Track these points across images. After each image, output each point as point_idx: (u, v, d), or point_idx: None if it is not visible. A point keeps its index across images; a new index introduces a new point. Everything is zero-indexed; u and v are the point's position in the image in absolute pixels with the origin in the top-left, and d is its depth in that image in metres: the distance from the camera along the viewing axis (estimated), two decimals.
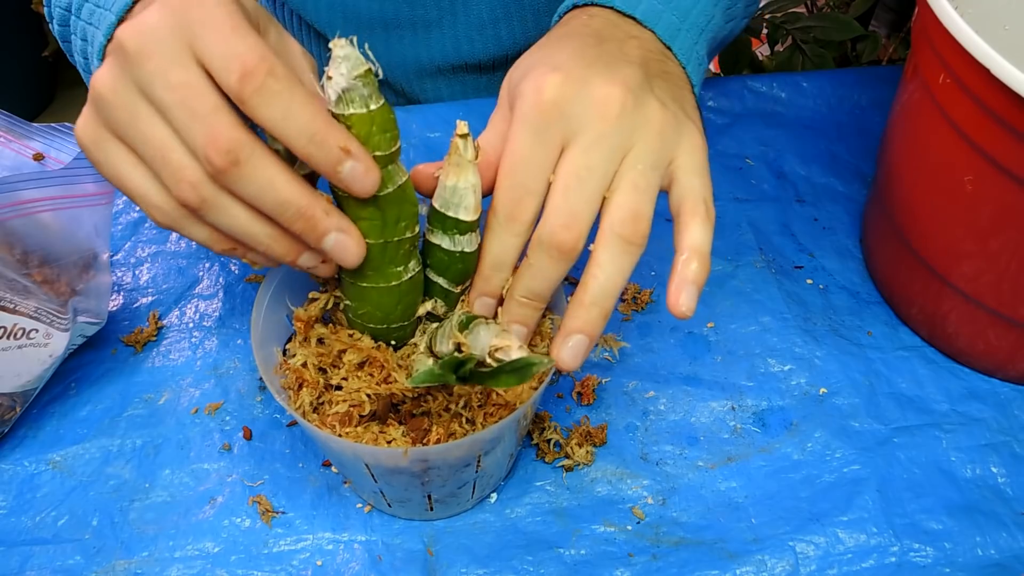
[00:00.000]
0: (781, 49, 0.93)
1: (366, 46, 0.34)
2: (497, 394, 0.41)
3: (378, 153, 0.35)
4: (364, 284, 0.39)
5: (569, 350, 0.38)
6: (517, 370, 0.36)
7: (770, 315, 0.55)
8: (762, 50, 1.13)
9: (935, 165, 0.48)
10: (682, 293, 0.38)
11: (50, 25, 0.50)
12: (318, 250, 0.37)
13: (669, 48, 0.44)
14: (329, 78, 0.34)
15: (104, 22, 0.42)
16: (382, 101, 0.35)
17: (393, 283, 0.39)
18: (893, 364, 0.53)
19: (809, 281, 0.58)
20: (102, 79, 0.36)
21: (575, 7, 0.46)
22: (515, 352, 0.36)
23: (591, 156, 0.37)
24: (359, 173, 0.35)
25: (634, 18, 0.44)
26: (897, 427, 0.50)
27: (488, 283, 0.40)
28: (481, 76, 0.72)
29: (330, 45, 0.34)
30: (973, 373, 0.53)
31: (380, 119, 0.35)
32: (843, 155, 0.65)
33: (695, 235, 0.39)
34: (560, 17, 0.47)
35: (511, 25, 0.68)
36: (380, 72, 0.34)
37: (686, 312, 0.38)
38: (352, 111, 0.34)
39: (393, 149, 0.36)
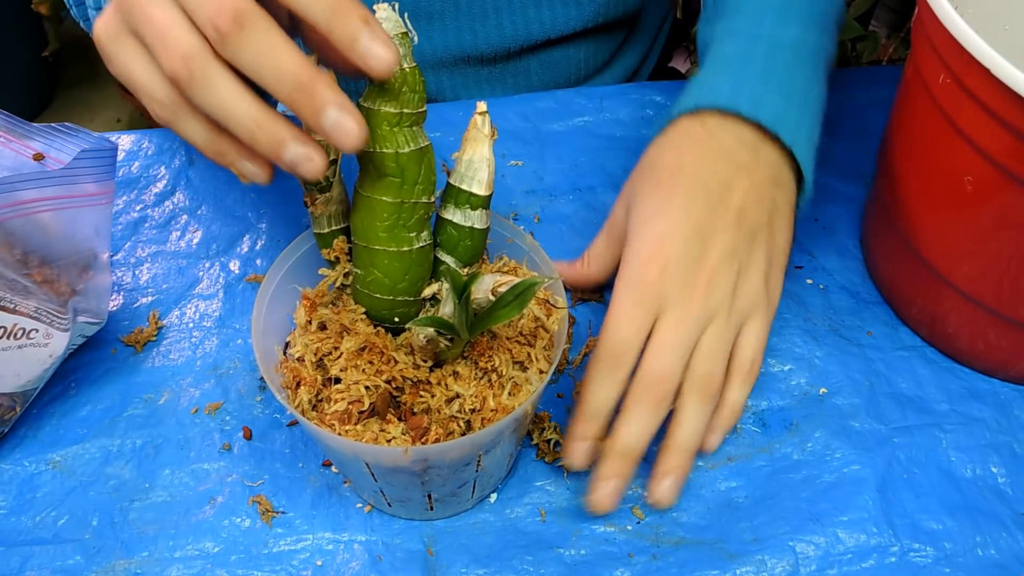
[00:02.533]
0: None
1: (406, 15, 0.37)
2: (495, 398, 0.41)
3: (406, 110, 0.38)
4: (376, 247, 0.40)
5: (664, 489, 0.45)
6: (518, 296, 0.37)
7: None
8: None
9: (935, 165, 0.48)
10: (711, 438, 0.48)
11: None
12: (316, 127, 0.36)
13: (791, 149, 0.49)
14: None
15: None
16: (414, 64, 0.38)
17: (404, 248, 0.40)
18: (893, 364, 0.53)
19: (809, 281, 0.58)
20: None
21: (689, 112, 0.50)
22: (516, 281, 0.37)
23: (679, 331, 0.44)
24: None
25: (759, 123, 0.49)
26: (897, 427, 0.50)
27: (588, 427, 0.44)
28: (482, 68, 0.72)
29: (374, 8, 0.36)
30: (973, 373, 0.53)
31: (411, 79, 0.38)
32: (843, 155, 0.65)
33: (729, 393, 0.48)
34: (670, 120, 0.51)
35: (513, 16, 0.68)
36: (415, 38, 0.38)
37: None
38: None
39: (420, 110, 0.39)
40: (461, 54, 0.70)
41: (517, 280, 0.37)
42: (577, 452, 0.44)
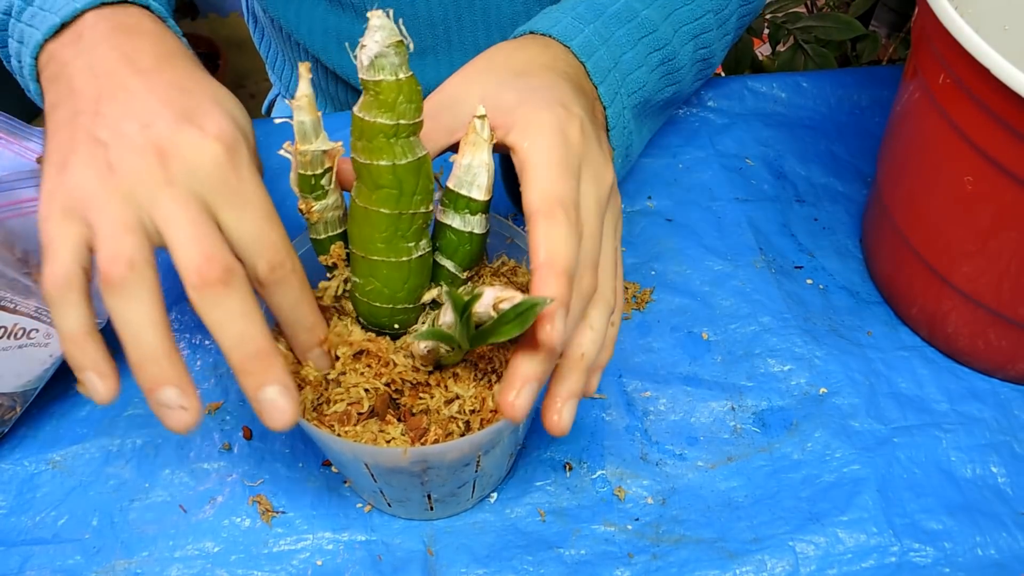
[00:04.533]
0: (783, 49, 0.93)
1: (400, 21, 0.36)
2: (494, 397, 0.41)
3: (403, 121, 0.37)
4: (375, 258, 0.40)
5: (568, 416, 0.38)
6: (520, 315, 0.36)
7: (770, 315, 0.55)
8: (763, 50, 1.13)
9: (935, 165, 0.48)
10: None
11: None
12: (254, 400, 0.36)
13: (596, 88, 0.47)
14: (363, 46, 0.36)
15: (45, 24, 0.42)
16: (410, 73, 0.37)
17: (403, 258, 0.40)
18: (893, 364, 0.53)
19: (809, 281, 0.58)
20: (92, 171, 0.36)
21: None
22: (519, 300, 0.36)
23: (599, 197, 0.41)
24: (321, 362, 0.41)
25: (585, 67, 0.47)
26: (897, 427, 0.50)
27: (562, 284, 0.37)
28: None
29: (368, 15, 0.35)
30: (973, 373, 0.53)
31: (407, 89, 0.37)
32: (843, 155, 0.65)
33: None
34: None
35: None
36: (411, 46, 0.36)
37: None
38: (381, 78, 0.36)
39: (417, 120, 0.38)
40: None
41: (519, 299, 0.36)
42: (557, 332, 0.35)
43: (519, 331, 0.36)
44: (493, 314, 0.37)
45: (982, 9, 0.52)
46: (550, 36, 0.47)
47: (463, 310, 0.37)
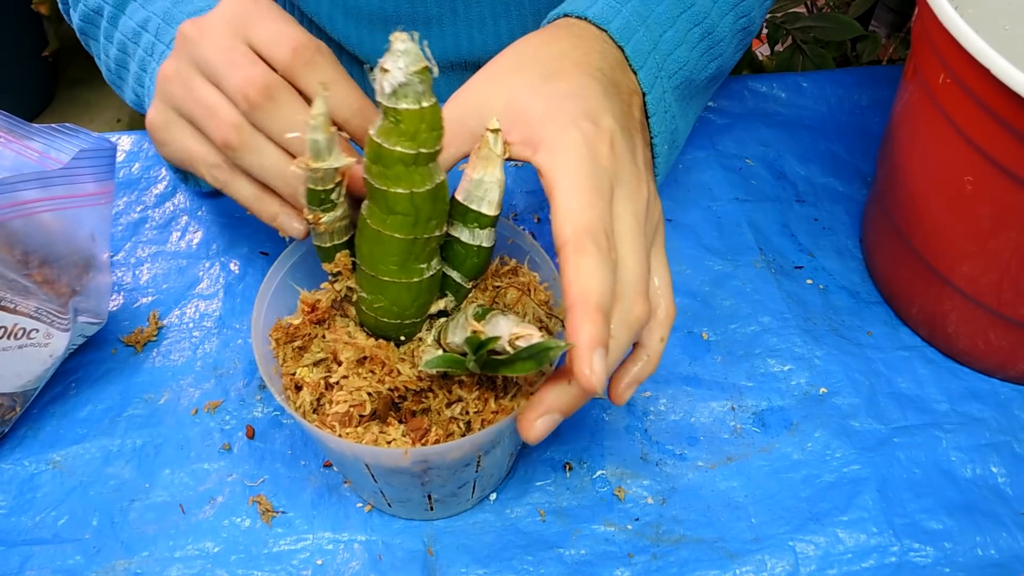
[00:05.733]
0: (781, 49, 0.93)
1: (425, 44, 0.34)
2: (497, 399, 0.41)
3: (423, 150, 0.35)
4: (386, 278, 0.39)
5: (542, 426, 0.36)
6: (535, 355, 0.35)
7: (770, 315, 0.55)
8: (762, 50, 1.13)
9: (935, 165, 0.48)
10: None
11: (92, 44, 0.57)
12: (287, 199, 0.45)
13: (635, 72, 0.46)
14: (385, 71, 0.34)
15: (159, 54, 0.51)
16: (434, 100, 0.35)
17: (415, 279, 0.39)
18: (893, 364, 0.53)
19: (809, 281, 0.58)
20: (165, 66, 0.45)
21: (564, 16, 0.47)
22: (536, 339, 0.35)
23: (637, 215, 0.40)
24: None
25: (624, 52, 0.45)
26: (897, 427, 0.50)
27: (600, 324, 0.34)
28: None
29: (391, 38, 0.34)
30: (973, 373, 0.53)
31: (430, 117, 0.35)
32: (843, 155, 0.65)
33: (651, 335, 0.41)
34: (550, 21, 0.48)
35: (511, 23, 0.67)
36: (436, 71, 0.34)
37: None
38: (404, 106, 0.34)
39: (437, 148, 0.36)
40: (458, 60, 0.69)
41: (536, 339, 0.35)
42: (596, 377, 0.33)
43: (534, 369, 0.35)
44: (508, 349, 0.35)
45: (982, 9, 0.52)
46: (586, 19, 0.45)
47: (478, 348, 0.36)
